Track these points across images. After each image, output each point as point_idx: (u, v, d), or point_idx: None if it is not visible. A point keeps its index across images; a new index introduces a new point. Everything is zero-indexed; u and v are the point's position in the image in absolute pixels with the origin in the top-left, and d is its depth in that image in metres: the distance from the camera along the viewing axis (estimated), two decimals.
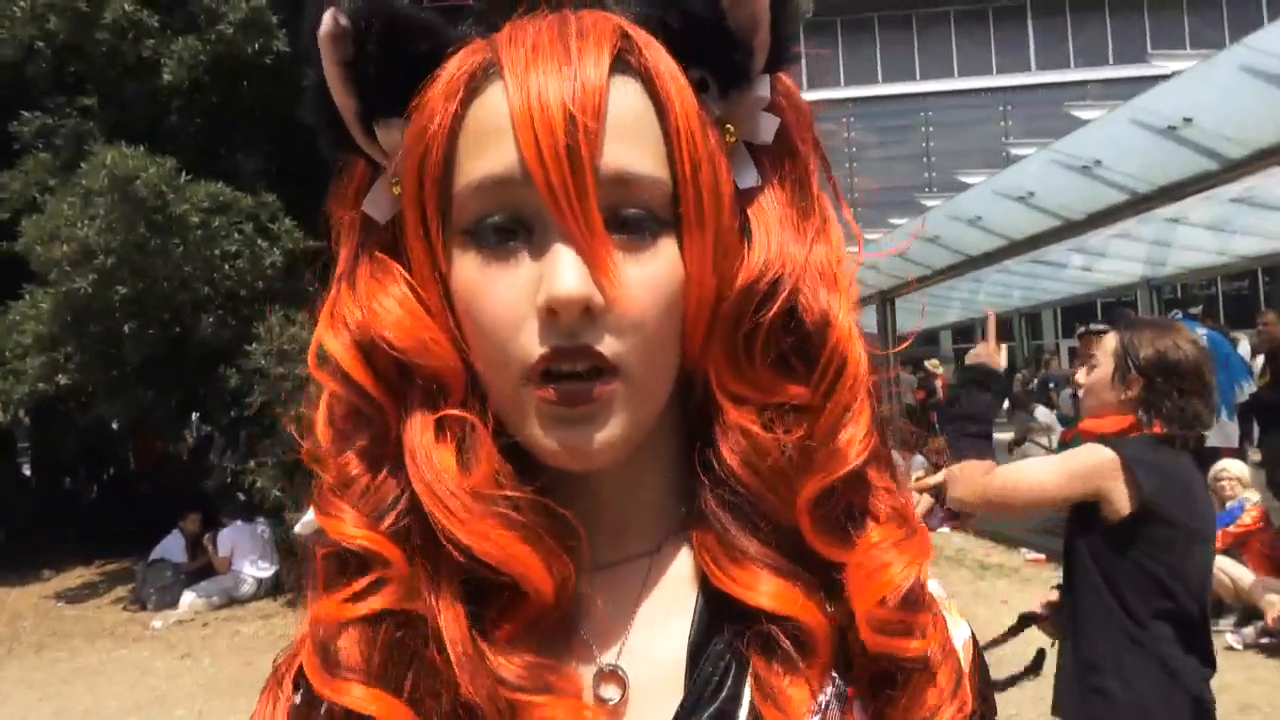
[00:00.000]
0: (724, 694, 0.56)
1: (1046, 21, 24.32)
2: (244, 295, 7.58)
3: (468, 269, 0.54)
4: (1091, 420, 2.37)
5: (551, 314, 0.51)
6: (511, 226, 0.53)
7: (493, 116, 0.52)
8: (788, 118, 0.60)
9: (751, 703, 0.55)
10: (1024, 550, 7.64)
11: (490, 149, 0.52)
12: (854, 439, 0.57)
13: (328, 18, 0.55)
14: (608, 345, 0.52)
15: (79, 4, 7.37)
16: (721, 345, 0.57)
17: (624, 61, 0.53)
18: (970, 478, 2.22)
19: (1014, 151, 9.03)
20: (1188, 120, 6.90)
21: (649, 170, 0.53)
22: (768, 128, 0.58)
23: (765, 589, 0.55)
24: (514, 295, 0.52)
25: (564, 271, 0.50)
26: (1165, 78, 6.96)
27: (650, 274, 0.53)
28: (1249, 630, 5.32)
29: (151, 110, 7.97)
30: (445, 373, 0.55)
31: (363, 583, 0.56)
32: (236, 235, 7.41)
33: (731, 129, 0.57)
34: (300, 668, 0.58)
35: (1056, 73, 24.04)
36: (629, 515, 0.61)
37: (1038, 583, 5.59)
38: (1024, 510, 2.23)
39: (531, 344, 0.52)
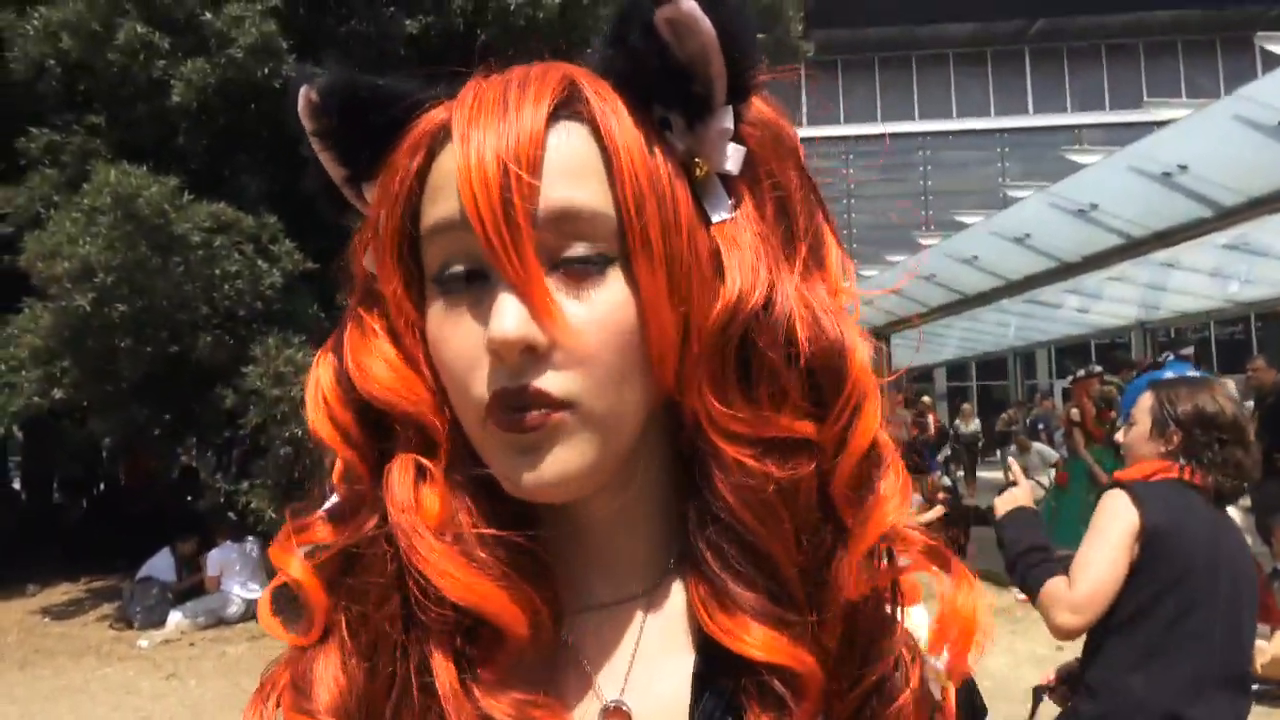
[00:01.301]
0: None
1: (1045, 66, 24.64)
2: (242, 315, 7.60)
3: (434, 316, 0.57)
4: (1125, 470, 2.40)
5: (497, 356, 0.53)
6: (472, 273, 0.55)
7: (445, 172, 0.55)
8: (758, 145, 0.59)
9: None
10: (1015, 590, 7.61)
11: (440, 201, 0.55)
12: (892, 489, 0.57)
13: (301, 94, 0.60)
14: (553, 383, 0.53)
15: (92, 24, 7.44)
16: (709, 381, 0.56)
17: (570, 108, 0.55)
18: (1060, 598, 2.19)
19: (1011, 193, 9.13)
20: (1183, 167, 7.01)
21: (592, 205, 0.54)
22: (734, 158, 0.58)
23: (754, 639, 0.55)
24: (470, 340, 0.55)
25: (502, 315, 0.52)
26: (1161, 124, 7.07)
27: (599, 310, 0.54)
28: None
29: (159, 130, 8.03)
30: (424, 420, 0.57)
31: (319, 622, 0.60)
32: (237, 255, 7.44)
33: (700, 162, 0.57)
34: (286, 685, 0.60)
35: (1054, 116, 24.31)
36: (623, 554, 0.62)
37: (1029, 622, 5.58)
38: (1113, 598, 2.18)
39: (482, 386, 0.54)
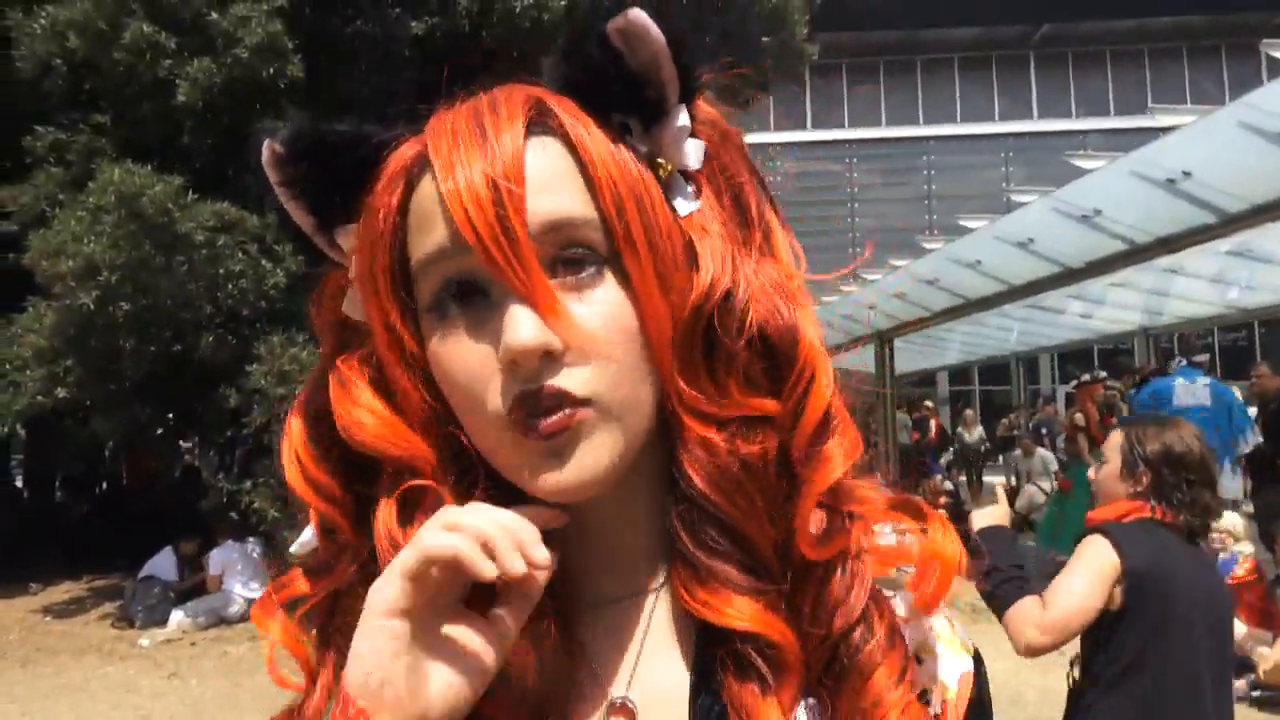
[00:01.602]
0: None
1: (1049, 71, 24.62)
2: (246, 314, 7.61)
3: (435, 344, 0.58)
4: (1098, 510, 2.44)
5: (514, 365, 0.54)
6: (466, 294, 0.57)
7: (428, 202, 0.57)
8: (710, 141, 0.63)
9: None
10: None
11: (429, 230, 0.57)
12: (838, 446, 0.60)
13: (265, 147, 0.61)
14: (572, 381, 0.55)
15: (99, 23, 7.46)
16: (679, 363, 0.59)
17: (540, 124, 0.58)
18: (1031, 617, 2.21)
19: (1015, 198, 9.12)
20: (1187, 174, 6.99)
21: (578, 212, 0.56)
22: (694, 153, 0.61)
23: (734, 609, 0.58)
24: (478, 357, 0.56)
25: (517, 325, 0.54)
26: (1165, 130, 7.06)
27: (602, 307, 0.57)
28: (1240, 683, 5.30)
29: (164, 129, 8.04)
30: (413, 458, 0.59)
31: (305, 674, 0.64)
32: (241, 255, 7.46)
33: (663, 162, 0.60)
34: None
35: (1058, 121, 24.29)
36: (629, 548, 0.64)
37: None
38: (1083, 628, 2.21)
39: (497, 398, 0.55)
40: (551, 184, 0.56)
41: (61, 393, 7.81)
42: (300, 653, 0.63)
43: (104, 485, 13.66)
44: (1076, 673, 2.34)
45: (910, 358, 17.25)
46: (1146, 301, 11.44)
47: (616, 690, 0.61)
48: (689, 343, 0.59)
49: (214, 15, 7.50)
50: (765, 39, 10.79)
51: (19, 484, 13.92)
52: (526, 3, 7.96)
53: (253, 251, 7.52)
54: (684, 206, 0.61)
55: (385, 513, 0.58)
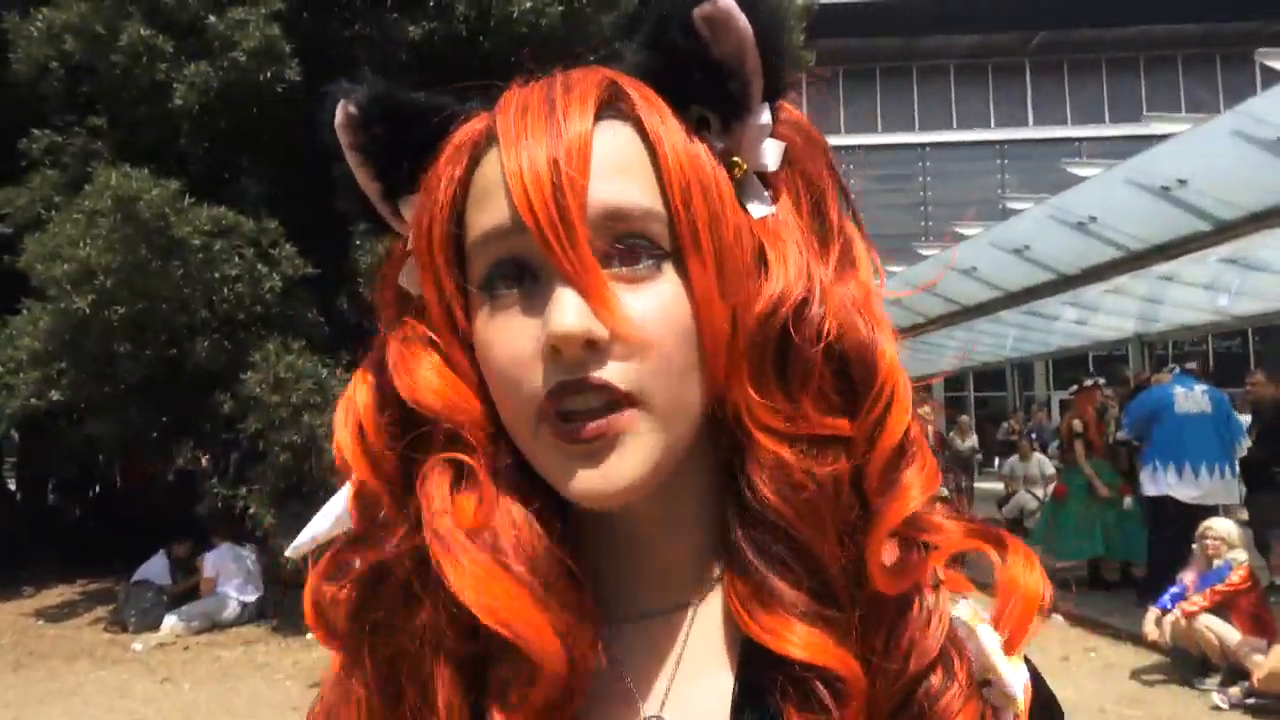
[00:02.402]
0: None
1: (1045, 78, 24.71)
2: (242, 319, 7.60)
3: (482, 322, 0.56)
4: None
5: (555, 352, 0.52)
6: (518, 275, 0.55)
7: (490, 178, 0.56)
8: (795, 143, 0.61)
9: None
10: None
11: (488, 207, 0.55)
12: (916, 475, 0.57)
13: (339, 108, 0.60)
14: (616, 374, 0.53)
15: (96, 26, 7.46)
16: (749, 374, 0.56)
17: (613, 108, 0.56)
18: None
19: (1011, 205, 9.15)
20: (1182, 182, 7.03)
21: (642, 203, 0.54)
22: (773, 154, 0.59)
23: (796, 638, 0.55)
24: (521, 341, 0.54)
25: (562, 310, 0.51)
26: (1160, 138, 7.10)
27: (655, 302, 0.54)
28: (1235, 690, 5.32)
29: (160, 133, 8.03)
30: (469, 425, 0.57)
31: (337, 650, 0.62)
32: (237, 259, 7.44)
33: (739, 160, 0.58)
34: None
35: (1054, 129, 24.38)
36: (670, 560, 0.61)
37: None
38: None
39: (534, 383, 0.53)
40: (617, 171, 0.54)
41: (55, 395, 7.79)
42: (341, 626, 0.60)
43: (97, 489, 13.61)
44: None
45: (904, 363, 17.23)
46: (1141, 309, 11.47)
47: (650, 708, 0.59)
48: (759, 352, 0.56)
49: (211, 19, 7.49)
50: None
51: (11, 487, 13.86)
52: (524, 8, 7.96)
53: (249, 256, 7.51)
54: (758, 210, 0.59)
55: (438, 478, 0.56)
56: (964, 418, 16.32)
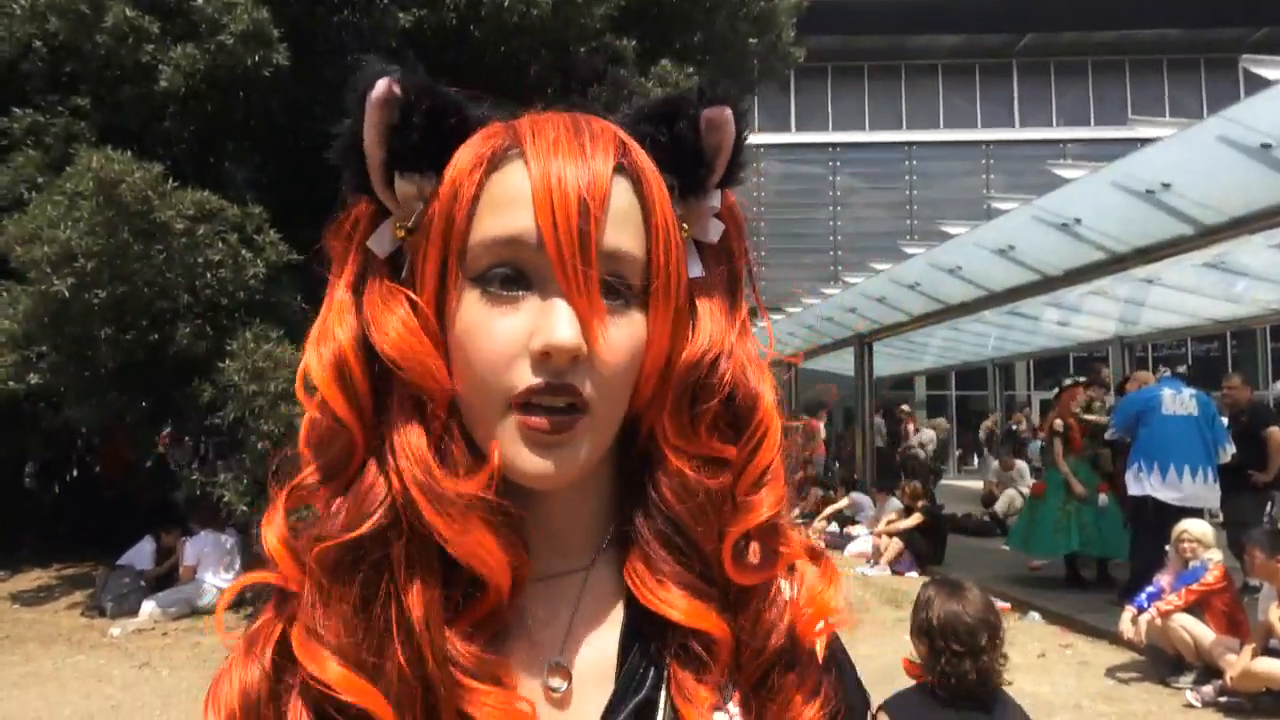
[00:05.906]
0: (646, 687, 0.68)
1: (1032, 80, 24.81)
2: (224, 305, 7.53)
3: (471, 308, 0.64)
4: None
5: (546, 356, 0.62)
6: (516, 278, 0.64)
7: (511, 189, 0.64)
8: (730, 226, 0.74)
9: (669, 696, 0.68)
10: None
11: (506, 214, 0.63)
12: (769, 495, 0.72)
13: (384, 83, 0.64)
14: (585, 385, 0.63)
15: (80, 6, 7.36)
16: (670, 405, 0.69)
17: (620, 164, 0.65)
18: None
19: (996, 205, 9.19)
20: (1166, 185, 7.09)
21: (633, 249, 0.65)
22: (715, 230, 0.73)
23: (681, 606, 0.68)
24: (511, 336, 0.63)
25: (563, 324, 0.61)
26: (1144, 142, 7.14)
27: (624, 334, 0.65)
28: (1208, 689, 5.39)
29: (144, 115, 7.94)
30: (435, 392, 0.65)
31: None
32: (220, 244, 7.35)
33: (686, 227, 0.71)
34: (277, 638, 0.67)
35: (1039, 130, 24.49)
36: (570, 531, 0.73)
37: (1015, 631, 5.65)
38: None
39: (522, 377, 0.63)
40: (618, 220, 0.64)
41: (34, 378, 7.71)
42: (289, 565, 0.68)
43: (75, 472, 13.49)
44: None
45: (888, 361, 17.35)
46: (1123, 311, 11.58)
47: (550, 652, 0.70)
48: (681, 390, 0.69)
49: (199, 1, 7.42)
50: (753, 40, 10.81)
51: None
52: None
53: (232, 241, 7.43)
54: (693, 271, 0.72)
55: (415, 434, 0.64)
56: (904, 406, 16.48)
